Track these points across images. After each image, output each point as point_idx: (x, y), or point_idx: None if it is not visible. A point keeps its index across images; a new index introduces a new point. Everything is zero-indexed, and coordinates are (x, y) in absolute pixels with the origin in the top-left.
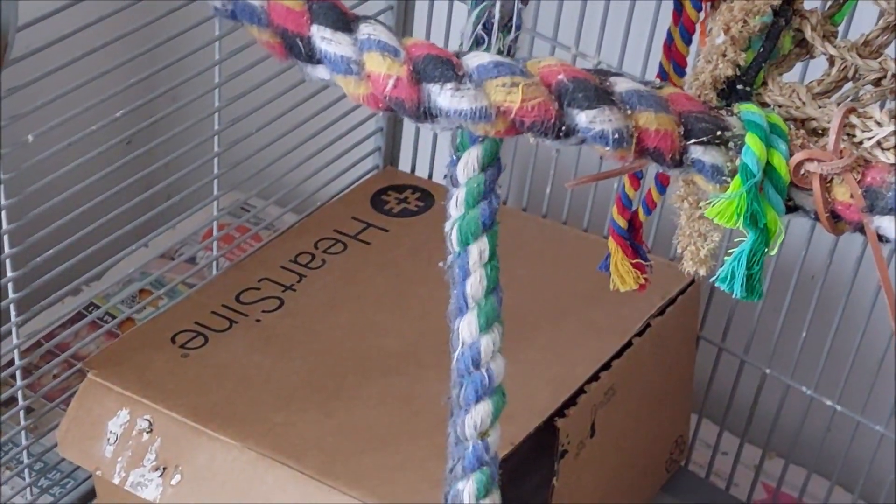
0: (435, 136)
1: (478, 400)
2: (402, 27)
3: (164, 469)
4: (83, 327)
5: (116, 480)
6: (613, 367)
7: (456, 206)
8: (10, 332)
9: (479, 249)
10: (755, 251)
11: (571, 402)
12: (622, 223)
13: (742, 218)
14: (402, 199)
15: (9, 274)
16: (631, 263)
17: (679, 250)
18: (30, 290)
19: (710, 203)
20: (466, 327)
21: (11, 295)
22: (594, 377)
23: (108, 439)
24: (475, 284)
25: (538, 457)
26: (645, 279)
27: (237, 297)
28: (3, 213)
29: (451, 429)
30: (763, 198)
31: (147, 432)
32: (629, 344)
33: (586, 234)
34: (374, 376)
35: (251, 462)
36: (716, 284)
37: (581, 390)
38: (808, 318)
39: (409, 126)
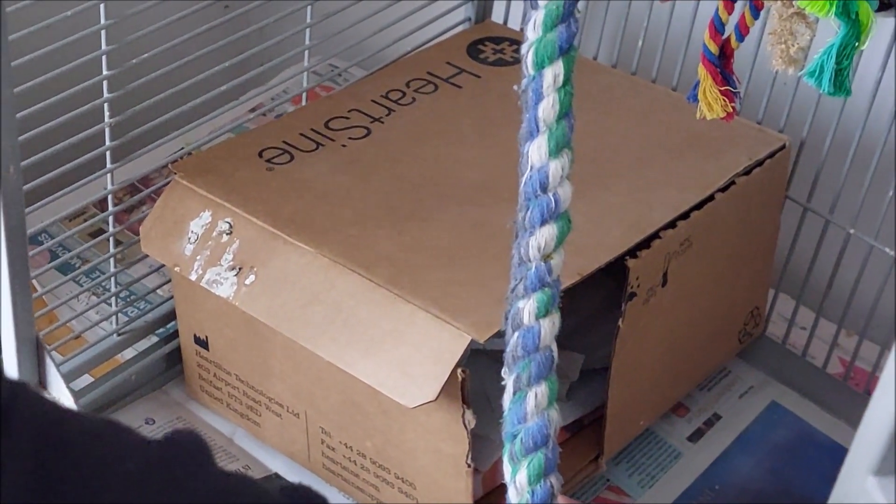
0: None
1: (543, 223)
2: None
3: (240, 269)
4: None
5: (193, 277)
6: (692, 218)
7: (533, 29)
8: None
9: (553, 73)
10: (845, 45)
11: (645, 245)
12: (713, 49)
13: (833, 7)
14: (499, 49)
15: (107, 119)
16: (719, 91)
17: (769, 48)
18: (126, 138)
19: None
20: (536, 151)
21: (108, 142)
22: (671, 224)
23: (189, 238)
24: (547, 108)
25: (609, 305)
26: (732, 107)
27: (326, 123)
28: (104, 58)
29: (515, 250)
30: None
31: (227, 234)
32: (711, 198)
33: (675, 91)
34: (450, 203)
35: (323, 267)
36: (804, 79)
37: (656, 235)
38: None
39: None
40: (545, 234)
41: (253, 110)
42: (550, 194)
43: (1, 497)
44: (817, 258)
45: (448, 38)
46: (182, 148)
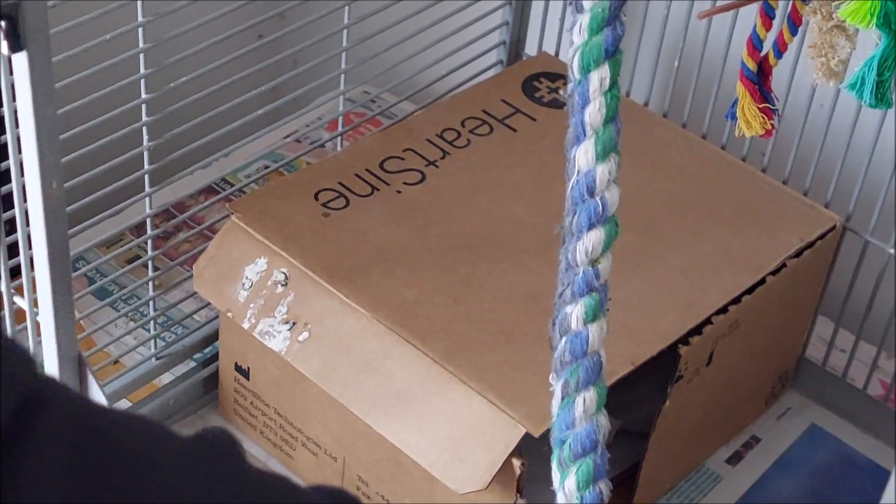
0: (559, 33)
1: (590, 227)
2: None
3: (294, 324)
4: (209, 197)
5: (246, 325)
6: (742, 303)
7: (579, 33)
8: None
9: (599, 77)
10: (886, 56)
11: (696, 330)
12: (752, 66)
13: (875, 18)
14: (554, 88)
15: (145, 143)
16: (758, 108)
17: (809, 60)
18: (164, 162)
19: (841, 4)
20: (583, 155)
21: (147, 165)
22: (722, 309)
23: (244, 284)
24: (594, 113)
25: (647, 372)
26: (771, 125)
27: (381, 163)
28: (143, 82)
29: (563, 255)
30: None
31: (282, 285)
32: (762, 280)
33: (726, 153)
34: (506, 269)
35: (378, 334)
36: (846, 90)
37: (707, 320)
38: None
39: (535, 20)
40: (592, 239)
41: (287, 136)
42: (598, 198)
43: (39, 484)
44: (856, 279)
45: (504, 71)
46: (223, 178)
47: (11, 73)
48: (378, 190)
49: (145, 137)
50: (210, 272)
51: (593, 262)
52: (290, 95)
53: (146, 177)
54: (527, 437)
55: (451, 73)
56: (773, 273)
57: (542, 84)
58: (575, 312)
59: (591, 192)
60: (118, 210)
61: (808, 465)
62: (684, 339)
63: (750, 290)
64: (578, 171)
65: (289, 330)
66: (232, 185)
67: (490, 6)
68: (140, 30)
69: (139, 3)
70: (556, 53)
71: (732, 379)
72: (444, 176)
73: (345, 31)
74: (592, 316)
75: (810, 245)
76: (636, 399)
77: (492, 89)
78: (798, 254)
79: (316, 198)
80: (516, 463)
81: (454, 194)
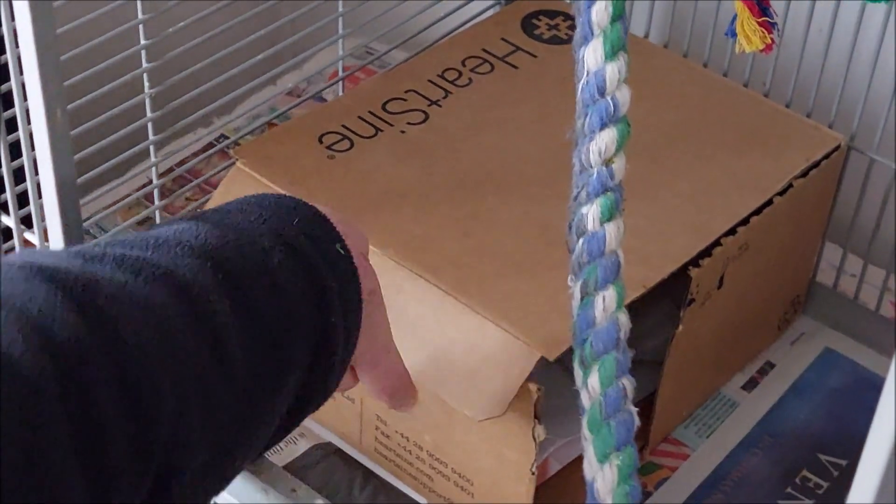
0: None
1: (602, 127)
2: None
3: None
4: (213, 155)
5: None
6: (751, 223)
7: None
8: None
9: None
10: None
11: (706, 252)
12: None
13: None
14: (553, 25)
15: (149, 113)
16: (757, 22)
17: None
18: (168, 133)
19: None
20: (591, 55)
21: (149, 113)
22: (731, 231)
23: None
24: (600, 11)
25: (659, 301)
26: (771, 39)
27: (384, 105)
28: (144, 52)
29: (576, 157)
30: None
31: None
32: (769, 202)
33: (728, 80)
34: (513, 201)
35: (389, 270)
36: None
37: (717, 242)
38: None
39: None
40: (605, 139)
41: (289, 94)
42: (609, 98)
43: None
44: (863, 199)
45: (502, 10)
46: (221, 133)
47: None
48: (382, 131)
49: (148, 109)
50: None
51: (607, 162)
52: (291, 62)
53: (151, 147)
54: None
55: (449, 16)
56: (780, 194)
57: (542, 21)
58: (591, 213)
59: (602, 92)
60: (124, 180)
61: (824, 388)
62: (695, 262)
63: (758, 212)
64: (588, 72)
65: None
66: (228, 138)
67: None
68: (139, 3)
69: None
70: None
71: (744, 303)
72: (448, 115)
73: None
74: (609, 215)
75: (816, 165)
76: (650, 329)
77: (491, 28)
78: (804, 174)
79: (320, 141)
80: (532, 388)
81: (458, 132)
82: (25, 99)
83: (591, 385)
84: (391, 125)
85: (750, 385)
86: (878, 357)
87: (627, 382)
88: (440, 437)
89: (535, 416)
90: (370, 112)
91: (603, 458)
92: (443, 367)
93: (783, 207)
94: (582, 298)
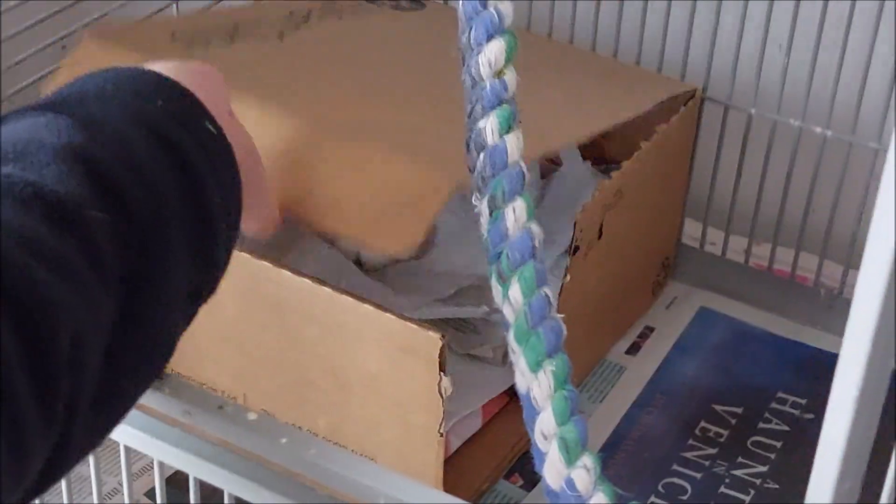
0: None
1: (489, 38)
2: None
3: None
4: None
5: None
6: (624, 168)
7: None
8: None
9: None
10: None
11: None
12: None
13: None
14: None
15: None
16: None
17: None
18: None
19: None
20: None
21: None
22: (606, 176)
23: None
24: None
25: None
26: None
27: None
28: None
29: (466, 73)
30: None
31: None
32: (638, 148)
33: (596, 53)
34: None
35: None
36: None
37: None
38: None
39: None
40: (494, 49)
41: None
42: (492, 8)
43: None
44: (721, 147)
45: None
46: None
47: None
48: (237, 42)
49: None
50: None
51: (498, 74)
52: None
53: None
54: None
55: None
56: (647, 139)
57: None
58: (489, 125)
59: (484, 5)
60: None
61: (707, 345)
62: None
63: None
64: None
65: None
66: None
67: None
68: None
69: None
70: None
71: (622, 259)
72: (303, 42)
73: None
74: (507, 127)
75: (676, 113)
76: None
77: None
78: (667, 120)
79: (174, 37)
80: (435, 336)
81: (319, 55)
82: None
83: (512, 297)
84: (245, 43)
85: (633, 349)
86: (755, 311)
87: (549, 291)
88: (336, 417)
89: (441, 369)
90: (227, 32)
91: (536, 367)
92: (354, 210)
93: (651, 153)
94: (491, 213)
